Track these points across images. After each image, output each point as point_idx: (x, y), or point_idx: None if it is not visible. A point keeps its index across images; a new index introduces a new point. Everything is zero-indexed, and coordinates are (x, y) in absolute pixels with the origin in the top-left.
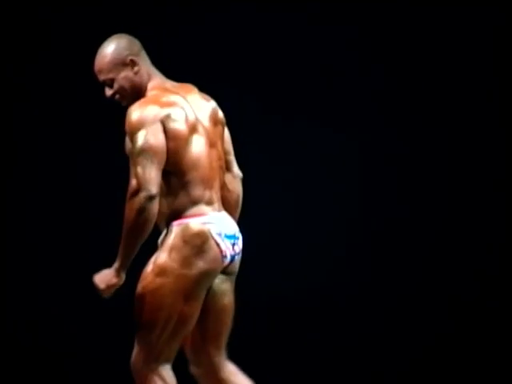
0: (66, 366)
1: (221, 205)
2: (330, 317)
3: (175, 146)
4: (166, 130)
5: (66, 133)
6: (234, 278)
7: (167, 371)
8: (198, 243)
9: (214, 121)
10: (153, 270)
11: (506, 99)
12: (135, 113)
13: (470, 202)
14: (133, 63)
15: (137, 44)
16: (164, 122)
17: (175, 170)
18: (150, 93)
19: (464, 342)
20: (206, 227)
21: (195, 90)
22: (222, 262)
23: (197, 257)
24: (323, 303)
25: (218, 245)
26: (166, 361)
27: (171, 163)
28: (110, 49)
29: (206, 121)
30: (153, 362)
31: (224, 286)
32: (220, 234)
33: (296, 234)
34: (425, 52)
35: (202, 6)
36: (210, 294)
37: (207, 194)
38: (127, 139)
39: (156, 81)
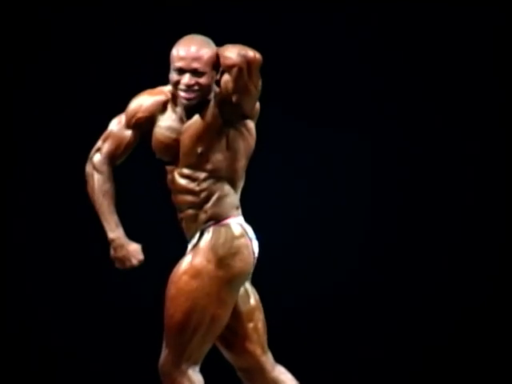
0: (69, 366)
1: None
2: (332, 319)
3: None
4: None
5: (66, 133)
6: (249, 277)
7: (196, 373)
8: (237, 244)
9: None
10: (186, 271)
11: (506, 99)
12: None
13: (470, 202)
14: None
15: None
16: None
17: (236, 180)
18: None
19: (464, 343)
20: (243, 228)
21: None
22: (253, 263)
23: (234, 258)
24: (324, 306)
25: (252, 246)
26: (195, 363)
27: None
28: (213, 47)
29: None
30: (182, 364)
31: (246, 286)
32: (252, 236)
33: (296, 235)
34: (425, 52)
35: (202, 6)
36: (238, 295)
37: (237, 199)
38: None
39: None
